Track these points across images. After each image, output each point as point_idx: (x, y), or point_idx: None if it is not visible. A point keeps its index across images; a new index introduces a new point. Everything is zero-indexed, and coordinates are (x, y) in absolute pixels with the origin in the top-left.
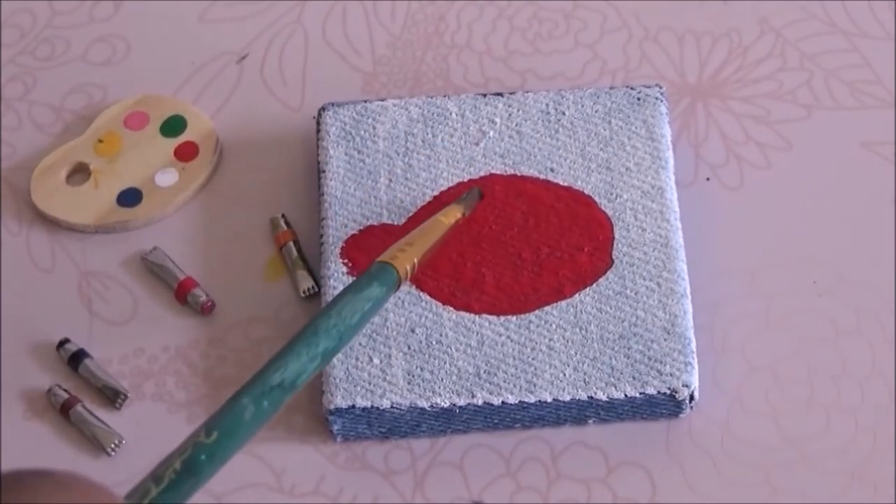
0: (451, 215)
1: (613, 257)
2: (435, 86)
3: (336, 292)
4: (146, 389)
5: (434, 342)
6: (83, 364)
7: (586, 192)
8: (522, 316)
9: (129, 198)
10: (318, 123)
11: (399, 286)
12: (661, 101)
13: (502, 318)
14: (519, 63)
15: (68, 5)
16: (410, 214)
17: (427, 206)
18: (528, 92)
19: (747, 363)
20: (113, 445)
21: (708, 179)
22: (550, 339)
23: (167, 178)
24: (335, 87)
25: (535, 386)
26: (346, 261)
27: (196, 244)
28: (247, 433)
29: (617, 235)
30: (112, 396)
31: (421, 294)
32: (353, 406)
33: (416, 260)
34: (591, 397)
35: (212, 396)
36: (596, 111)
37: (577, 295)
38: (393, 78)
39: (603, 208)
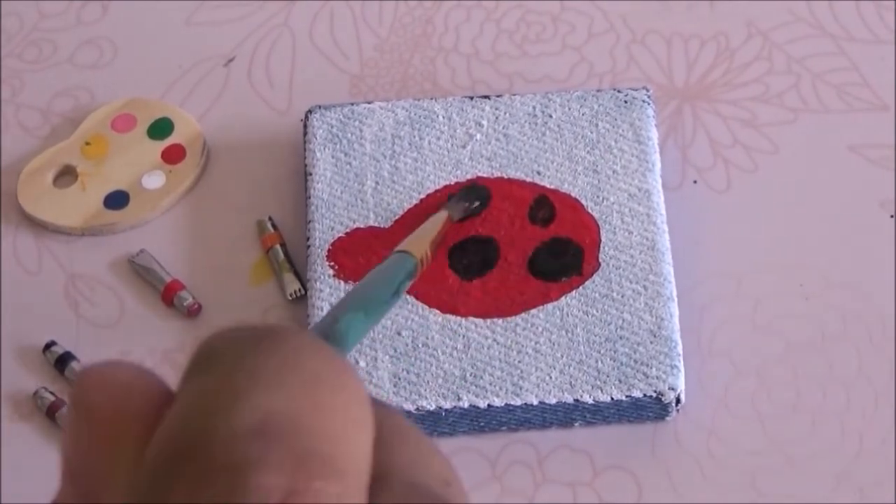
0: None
1: (600, 260)
2: (422, 88)
3: (322, 295)
4: None
5: (420, 345)
6: (70, 367)
7: (573, 194)
8: (508, 319)
9: (116, 200)
10: (305, 126)
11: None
12: (649, 104)
13: (488, 320)
14: (506, 66)
15: (55, 8)
16: (397, 217)
17: (414, 208)
18: (515, 95)
19: (733, 366)
20: None
21: (695, 182)
22: (536, 342)
23: (154, 180)
24: (322, 89)
25: (521, 389)
26: (332, 263)
27: (183, 247)
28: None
29: (603, 238)
30: None
31: (407, 297)
32: None
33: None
34: (578, 400)
35: None
36: (583, 114)
37: (563, 298)
38: (380, 80)
39: (589, 211)
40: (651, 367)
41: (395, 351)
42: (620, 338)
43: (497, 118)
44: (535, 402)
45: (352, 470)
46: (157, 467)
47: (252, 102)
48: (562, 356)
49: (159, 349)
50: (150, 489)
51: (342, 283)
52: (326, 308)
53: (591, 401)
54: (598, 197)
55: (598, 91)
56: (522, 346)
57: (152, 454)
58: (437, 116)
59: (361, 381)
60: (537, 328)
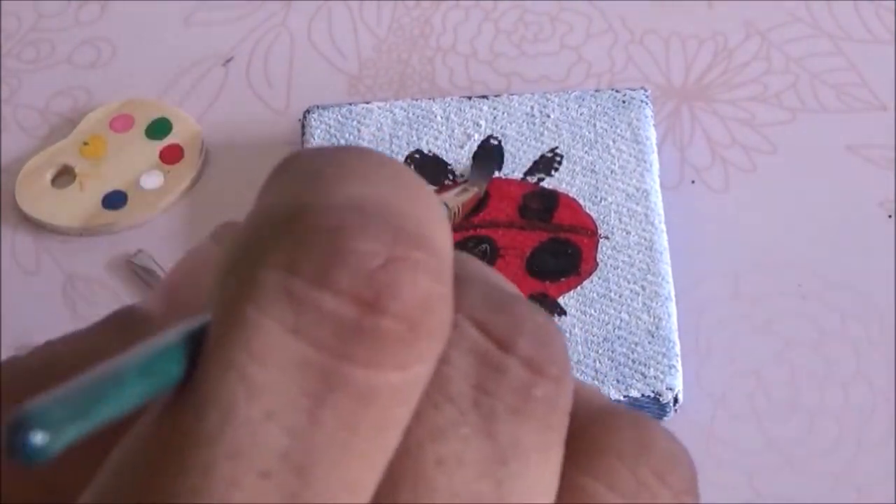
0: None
1: (598, 260)
2: (420, 88)
3: None
4: None
5: None
6: None
7: (571, 194)
8: None
9: (115, 200)
10: (303, 126)
11: None
12: (647, 104)
13: None
14: (504, 66)
15: (53, 8)
16: None
17: None
18: (513, 95)
19: (731, 366)
20: None
21: (693, 182)
22: None
23: (152, 180)
24: (320, 89)
25: None
26: None
27: (181, 247)
28: None
29: (601, 238)
30: None
31: None
32: None
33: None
34: None
35: None
36: (581, 114)
37: (561, 298)
38: (378, 80)
39: (587, 211)
40: (649, 367)
41: None
42: (618, 338)
43: (495, 118)
44: None
45: (445, 255)
46: (249, 237)
47: (250, 102)
48: None
49: None
50: (245, 258)
51: None
52: None
53: None
54: (595, 197)
55: (596, 91)
56: None
57: (242, 234)
58: (436, 116)
59: None
60: None
